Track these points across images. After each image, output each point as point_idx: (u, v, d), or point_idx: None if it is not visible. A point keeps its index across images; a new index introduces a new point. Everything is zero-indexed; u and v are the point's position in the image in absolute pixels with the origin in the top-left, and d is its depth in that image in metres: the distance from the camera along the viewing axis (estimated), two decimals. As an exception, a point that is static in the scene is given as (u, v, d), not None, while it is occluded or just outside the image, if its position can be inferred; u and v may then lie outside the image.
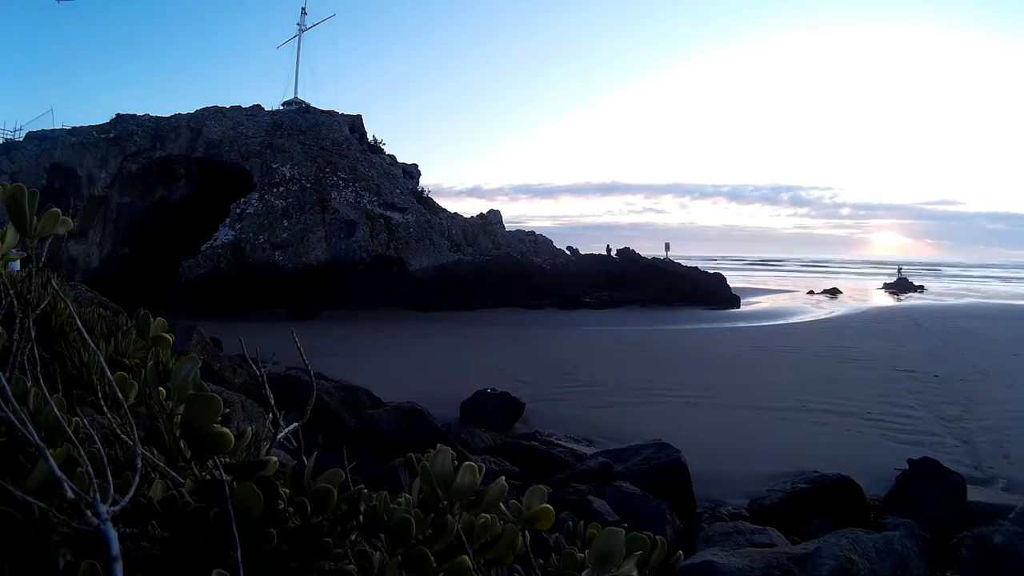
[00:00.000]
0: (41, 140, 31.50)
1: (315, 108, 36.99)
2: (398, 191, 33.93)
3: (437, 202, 37.12)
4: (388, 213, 32.29)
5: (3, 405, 0.80)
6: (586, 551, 0.98)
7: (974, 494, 7.34)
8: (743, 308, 34.44)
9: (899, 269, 60.37)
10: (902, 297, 45.03)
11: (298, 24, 44.30)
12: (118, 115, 33.61)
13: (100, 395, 1.14)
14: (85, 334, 1.10)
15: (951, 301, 40.77)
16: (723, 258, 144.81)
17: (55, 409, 0.89)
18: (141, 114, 33.85)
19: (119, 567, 0.68)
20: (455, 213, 36.51)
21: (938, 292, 50.50)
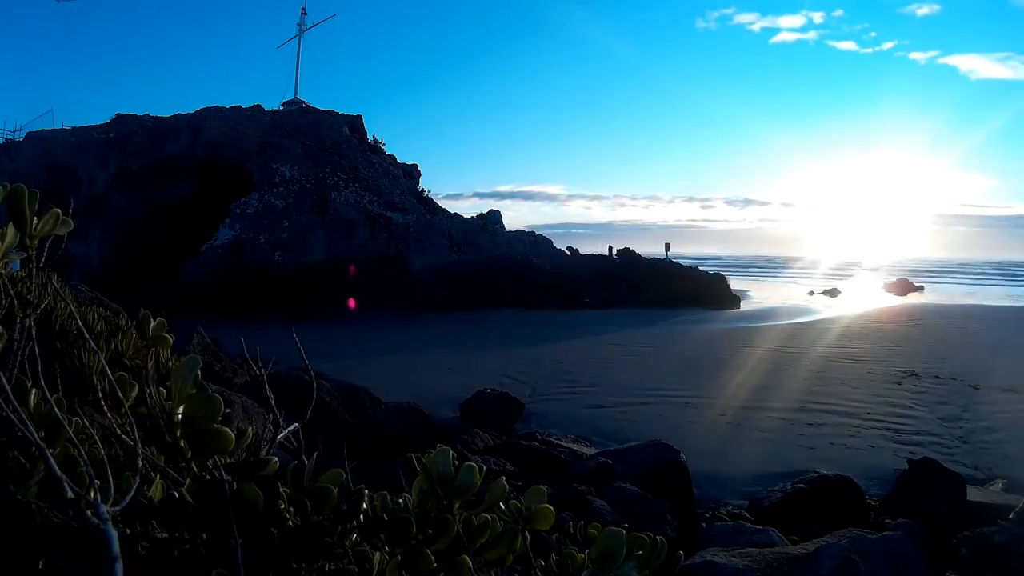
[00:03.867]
0: (41, 140, 31.53)
1: (315, 108, 37.02)
2: (398, 191, 33.94)
3: (438, 203, 37.16)
4: (388, 213, 32.29)
5: (3, 405, 0.80)
6: (586, 551, 0.98)
7: (974, 494, 7.34)
8: (743, 308, 34.44)
9: (900, 269, 60.40)
10: (901, 297, 45.05)
11: (298, 24, 44.43)
12: (118, 115, 33.64)
13: (100, 395, 1.13)
14: (85, 334, 1.10)
15: (951, 301, 40.78)
16: (724, 257, 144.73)
17: (55, 409, 0.89)
18: (141, 114, 33.88)
19: (119, 567, 0.68)
20: (455, 213, 36.51)
21: (938, 292, 50.51)
